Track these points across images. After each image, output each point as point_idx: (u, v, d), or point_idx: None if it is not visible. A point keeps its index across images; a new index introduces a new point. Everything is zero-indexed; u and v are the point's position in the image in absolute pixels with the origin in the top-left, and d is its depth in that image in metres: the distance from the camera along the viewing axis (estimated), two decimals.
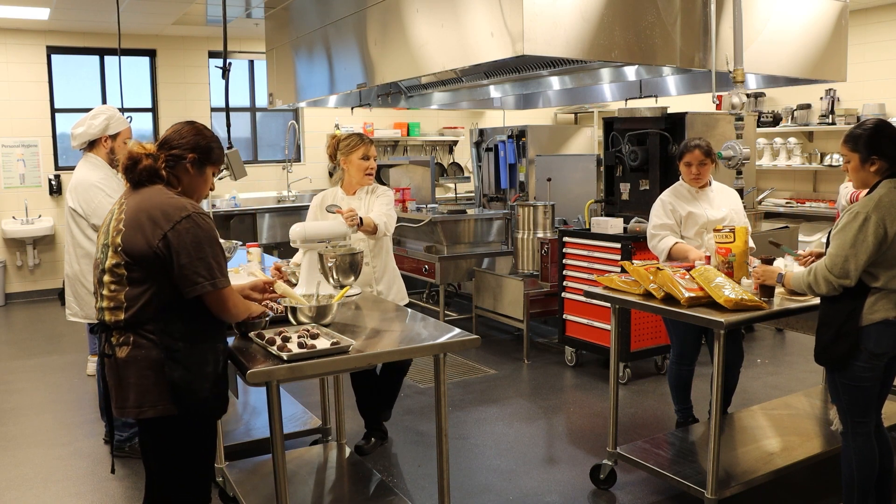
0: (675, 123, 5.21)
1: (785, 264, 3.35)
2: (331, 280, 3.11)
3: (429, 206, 6.95)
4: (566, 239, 5.36)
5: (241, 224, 8.13)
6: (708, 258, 3.46)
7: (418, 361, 4.94)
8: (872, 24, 7.50)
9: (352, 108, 7.02)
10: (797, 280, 2.85)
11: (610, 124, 5.60)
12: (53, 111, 8.24)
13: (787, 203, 8.06)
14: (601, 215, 5.53)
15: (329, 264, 3.08)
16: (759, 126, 8.01)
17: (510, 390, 4.97)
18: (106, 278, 2.24)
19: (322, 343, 2.47)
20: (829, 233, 2.80)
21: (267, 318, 2.63)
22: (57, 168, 8.24)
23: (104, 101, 8.38)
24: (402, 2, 4.66)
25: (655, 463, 3.33)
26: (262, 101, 9.20)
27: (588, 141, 7.41)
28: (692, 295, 3.06)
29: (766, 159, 8.38)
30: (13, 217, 8.05)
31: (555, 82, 6.25)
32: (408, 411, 4.54)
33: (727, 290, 3.00)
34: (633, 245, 4.86)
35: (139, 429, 2.38)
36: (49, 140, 8.19)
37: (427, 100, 7.23)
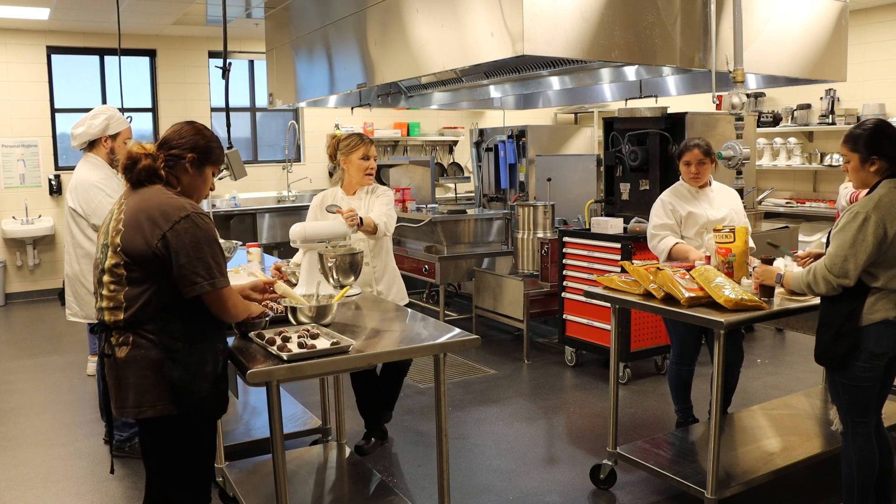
0: (675, 123, 5.21)
1: (785, 265, 3.35)
2: (331, 280, 3.11)
3: (429, 206, 6.95)
4: (566, 239, 5.36)
5: (241, 224, 8.14)
6: (708, 258, 3.47)
7: (418, 361, 4.94)
8: (872, 24, 7.50)
9: (352, 108, 7.02)
10: (796, 280, 2.85)
11: (610, 124, 5.60)
12: (53, 111, 8.24)
13: (787, 203, 8.06)
14: (601, 215, 5.53)
15: (329, 264, 3.08)
16: (759, 126, 8.01)
17: (510, 390, 4.97)
18: (105, 278, 2.24)
19: (322, 343, 2.47)
20: (829, 233, 2.81)
21: (267, 318, 2.63)
22: (57, 168, 8.24)
23: (104, 101, 8.39)
24: (402, 2, 4.66)
25: (655, 463, 3.33)
26: (262, 101, 9.20)
27: (588, 141, 7.41)
28: (692, 295, 3.06)
29: (766, 159, 8.38)
30: (13, 217, 8.05)
31: (555, 82, 6.25)
32: (408, 411, 4.54)
33: (727, 290, 3.00)
34: (633, 245, 4.86)
35: (139, 429, 2.38)
36: (49, 140, 8.19)
37: (427, 100, 7.23)
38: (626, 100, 6.27)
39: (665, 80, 5.88)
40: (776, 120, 8.32)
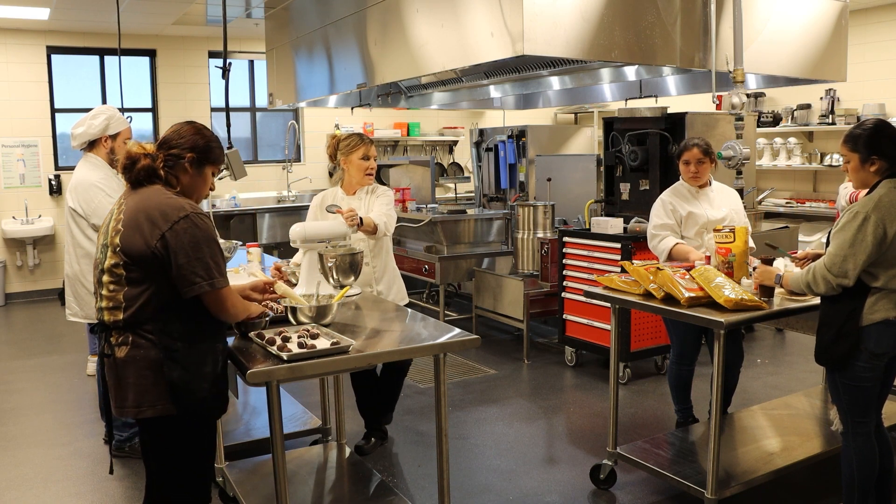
0: (675, 123, 5.21)
1: (785, 265, 3.35)
2: (331, 280, 3.11)
3: (429, 206, 6.94)
4: (566, 239, 5.36)
5: (241, 224, 8.14)
6: (708, 258, 3.47)
7: (418, 361, 4.94)
8: (872, 24, 7.50)
9: (352, 108, 7.03)
10: (796, 280, 2.85)
11: (610, 124, 5.60)
12: (53, 111, 8.24)
13: (787, 203, 8.06)
14: (601, 215, 5.53)
15: (329, 264, 3.08)
16: (759, 126, 8.01)
17: (510, 390, 4.97)
18: (105, 278, 2.24)
19: (322, 343, 2.47)
20: (829, 233, 2.81)
21: (267, 318, 2.63)
22: (57, 168, 8.24)
23: (104, 101, 8.39)
24: (402, 2, 4.66)
25: (655, 463, 3.33)
26: (262, 101, 9.20)
27: (588, 141, 7.41)
28: (692, 295, 3.06)
29: (766, 159, 8.38)
30: (13, 217, 8.05)
31: (555, 82, 6.25)
32: (408, 411, 4.54)
33: (727, 290, 3.00)
34: (633, 245, 4.86)
35: (139, 428, 2.38)
36: (49, 140, 8.19)
37: (427, 100, 7.23)
38: (626, 100, 6.27)
39: (665, 80, 5.88)
40: (776, 120, 8.32)
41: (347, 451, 3.67)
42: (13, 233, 7.86)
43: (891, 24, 7.39)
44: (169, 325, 2.21)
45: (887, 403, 3.18)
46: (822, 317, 2.83)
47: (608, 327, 4.81)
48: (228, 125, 4.96)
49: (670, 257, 3.80)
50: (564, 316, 5.42)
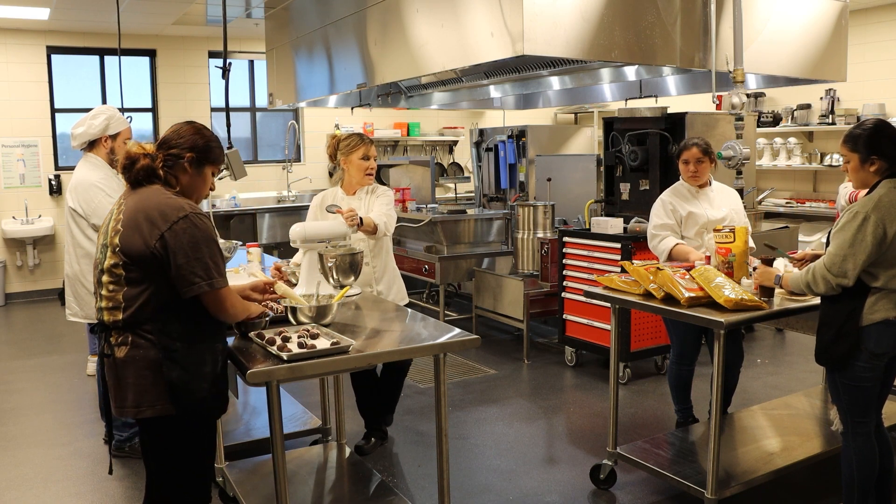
0: (675, 123, 5.21)
1: (785, 265, 3.35)
2: (331, 280, 3.11)
3: (429, 206, 6.94)
4: (566, 239, 5.36)
5: (241, 224, 8.14)
6: (708, 258, 3.47)
7: (418, 361, 4.94)
8: (872, 24, 7.50)
9: (352, 108, 7.02)
10: (795, 280, 2.85)
11: (610, 124, 5.60)
12: (53, 111, 8.24)
13: (787, 203, 8.07)
14: (601, 215, 5.53)
15: (329, 264, 3.08)
16: (759, 126, 8.01)
17: (510, 390, 4.97)
18: (104, 278, 2.24)
19: (322, 343, 2.47)
20: (829, 233, 2.81)
21: (267, 318, 2.63)
22: (57, 168, 8.24)
23: (104, 101, 8.39)
24: (402, 2, 4.66)
25: (655, 463, 3.33)
26: (262, 101, 9.20)
27: (588, 141, 7.41)
28: (692, 295, 3.06)
29: (766, 159, 8.38)
30: (13, 217, 8.05)
31: (555, 82, 6.25)
32: (408, 411, 4.54)
33: (727, 290, 3.00)
34: (633, 245, 4.86)
35: (139, 428, 2.38)
36: (49, 140, 8.19)
37: (427, 100, 7.23)
38: (626, 100, 6.27)
39: (665, 80, 5.88)
40: (776, 120, 8.32)
41: (347, 451, 3.67)
42: (13, 233, 7.86)
43: (891, 24, 7.39)
44: (168, 326, 2.21)
45: (887, 403, 3.18)
46: (822, 317, 2.83)
47: (608, 327, 4.81)
48: (228, 125, 4.96)
49: (670, 257, 3.80)
50: (564, 316, 5.42)
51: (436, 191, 8.15)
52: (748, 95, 7.08)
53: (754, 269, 3.20)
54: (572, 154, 7.03)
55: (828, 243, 2.79)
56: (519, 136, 6.96)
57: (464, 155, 9.84)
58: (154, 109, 8.69)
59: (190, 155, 2.34)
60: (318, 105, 7.11)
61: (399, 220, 5.65)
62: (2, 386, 5.22)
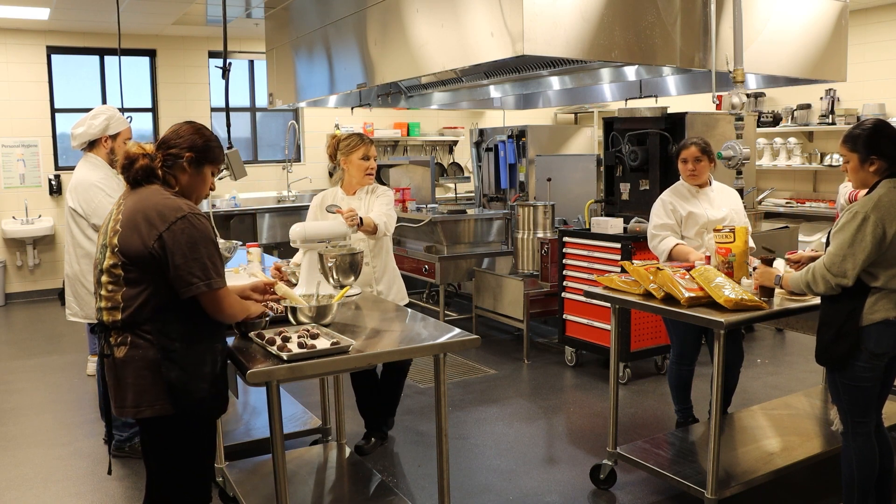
0: (675, 123, 5.21)
1: (785, 268, 3.35)
2: (331, 280, 3.11)
3: (429, 206, 6.95)
4: (566, 239, 5.36)
5: (241, 224, 8.14)
6: (708, 258, 3.47)
7: (418, 361, 4.94)
8: (872, 24, 7.50)
9: (352, 108, 7.02)
10: (795, 280, 2.85)
11: (610, 124, 5.60)
12: (53, 111, 8.24)
13: (787, 203, 8.07)
14: (601, 215, 5.53)
15: (329, 264, 3.08)
16: (759, 126, 8.01)
17: (510, 390, 4.97)
18: (104, 279, 2.24)
19: (322, 343, 2.47)
20: (829, 233, 2.81)
21: (267, 319, 2.63)
22: (57, 168, 8.24)
23: (104, 101, 8.39)
24: (402, 2, 4.66)
25: (655, 463, 3.33)
26: (262, 101, 9.20)
27: (588, 141, 7.41)
28: (692, 295, 3.06)
29: (766, 159, 8.38)
30: (13, 217, 8.05)
31: (555, 82, 6.25)
32: (408, 411, 4.54)
33: (727, 290, 3.00)
34: (633, 245, 4.86)
35: (139, 428, 2.39)
36: (49, 140, 8.19)
37: (427, 100, 7.23)
38: (626, 100, 6.27)
39: (665, 80, 5.88)
40: (776, 120, 8.32)
41: (347, 451, 3.67)
42: (13, 233, 7.86)
43: (891, 24, 7.39)
44: (167, 326, 2.21)
45: (887, 403, 3.18)
46: (822, 317, 2.83)
47: (608, 327, 4.81)
48: (228, 125, 4.96)
49: (670, 258, 3.80)
50: (564, 316, 5.42)
51: (436, 191, 8.15)
52: (748, 95, 7.08)
53: (754, 269, 3.20)
54: (572, 154, 7.03)
55: (828, 243, 2.79)
56: (519, 136, 6.96)
57: (464, 155, 9.84)
58: (154, 109, 8.69)
59: (189, 155, 2.34)
60: (318, 105, 7.11)
61: (399, 220, 5.65)
62: (2, 386, 5.22)
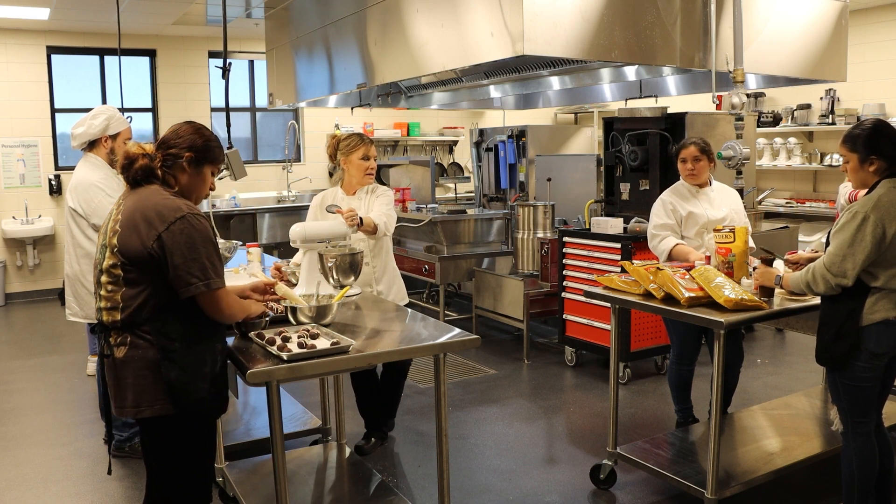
0: (675, 123, 5.21)
1: (784, 269, 3.35)
2: (331, 280, 3.11)
3: (429, 206, 6.95)
4: (566, 239, 5.36)
5: (241, 224, 8.14)
6: (708, 258, 3.47)
7: (418, 361, 4.94)
8: (872, 24, 7.50)
9: (352, 108, 7.03)
10: (796, 280, 2.85)
11: (610, 124, 5.60)
12: (53, 111, 8.24)
13: (787, 203, 8.07)
14: (601, 215, 5.53)
15: (329, 264, 3.08)
16: (759, 126, 8.01)
17: (510, 390, 4.97)
18: (103, 279, 2.24)
19: (322, 343, 2.47)
20: (829, 233, 2.81)
21: (267, 319, 2.63)
22: (57, 168, 8.24)
23: (104, 101, 8.39)
24: (402, 2, 4.66)
25: (655, 463, 3.33)
26: (262, 101, 9.20)
27: (588, 141, 7.41)
28: (692, 295, 3.06)
29: (766, 159, 8.38)
30: (13, 217, 8.05)
31: (555, 82, 6.25)
32: (408, 411, 4.54)
33: (727, 290, 3.00)
34: (633, 245, 4.86)
35: (140, 428, 2.39)
36: (49, 140, 8.19)
37: (427, 100, 7.23)
38: (626, 100, 6.27)
39: (665, 80, 5.88)
40: (776, 120, 8.32)
41: (347, 451, 3.67)
42: (13, 233, 7.86)
43: (891, 24, 7.39)
44: (167, 326, 2.21)
45: (887, 403, 3.18)
46: (822, 317, 2.83)
47: (608, 327, 4.81)
48: (228, 125, 4.96)
49: (670, 257, 3.80)
50: (564, 316, 5.42)
51: (436, 191, 8.15)
52: (748, 95, 7.08)
53: (754, 269, 3.20)
54: (572, 154, 7.03)
55: (827, 243, 2.79)
56: (519, 136, 6.96)
57: (464, 155, 9.84)
58: (154, 109, 8.69)
59: (189, 154, 2.34)
60: (318, 105, 7.11)
61: (399, 220, 5.65)
62: (2, 386, 5.22)
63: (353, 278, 3.13)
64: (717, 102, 4.45)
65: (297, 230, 3.20)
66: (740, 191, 4.30)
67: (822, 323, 2.82)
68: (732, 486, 3.11)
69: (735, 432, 3.69)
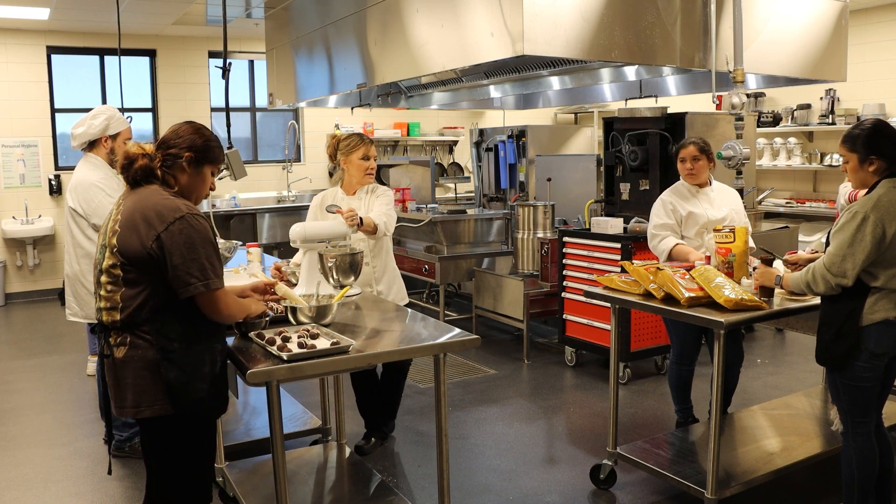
0: (675, 123, 5.21)
1: (784, 270, 3.35)
2: (331, 280, 3.11)
3: (429, 206, 6.95)
4: (566, 239, 5.36)
5: (241, 224, 8.14)
6: (708, 258, 3.47)
7: (418, 361, 4.94)
8: (872, 24, 7.50)
9: (352, 108, 7.03)
10: (796, 280, 2.85)
11: (610, 124, 5.60)
12: (53, 111, 8.24)
13: (787, 203, 8.07)
14: (601, 215, 5.53)
15: (329, 264, 3.08)
16: (759, 126, 8.01)
17: (510, 390, 4.97)
18: (103, 279, 2.25)
19: (322, 343, 2.47)
20: (829, 233, 2.81)
21: (267, 319, 2.63)
22: (57, 168, 8.24)
23: (104, 101, 8.39)
24: (402, 2, 4.66)
25: (655, 463, 3.33)
26: (262, 101, 9.20)
27: (588, 141, 7.41)
28: (692, 295, 3.06)
29: (766, 159, 8.38)
30: (13, 217, 8.05)
31: (555, 82, 6.25)
32: (408, 411, 4.54)
33: (727, 290, 3.00)
34: (633, 245, 4.86)
35: (140, 428, 2.39)
36: (49, 140, 8.19)
37: (427, 100, 7.23)
38: (626, 100, 6.27)
39: (665, 80, 5.88)
40: (776, 120, 8.32)
41: (347, 451, 3.67)
42: (13, 233, 7.86)
43: (891, 24, 7.39)
44: (166, 327, 2.21)
45: (887, 403, 3.18)
46: (822, 317, 2.83)
47: (608, 327, 4.81)
48: (228, 125, 4.96)
49: (670, 257, 3.80)
50: (564, 316, 5.42)
51: (436, 191, 8.15)
52: (748, 95, 7.08)
53: (754, 269, 3.20)
54: (572, 154, 7.03)
55: (827, 243, 2.79)
56: (519, 136, 6.96)
57: (464, 155, 9.84)
58: (154, 109, 8.69)
59: (188, 154, 2.33)
60: (318, 105, 7.11)
61: (399, 220, 5.65)
62: (2, 386, 5.22)
63: (353, 278, 3.13)
64: (717, 102, 4.45)
65: (297, 230, 3.20)
66: (740, 191, 4.30)
67: (822, 323, 2.82)
68: (732, 486, 3.11)
69: (735, 432, 3.69)
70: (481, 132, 7.55)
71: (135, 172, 2.28)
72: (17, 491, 3.61)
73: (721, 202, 3.95)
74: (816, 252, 3.47)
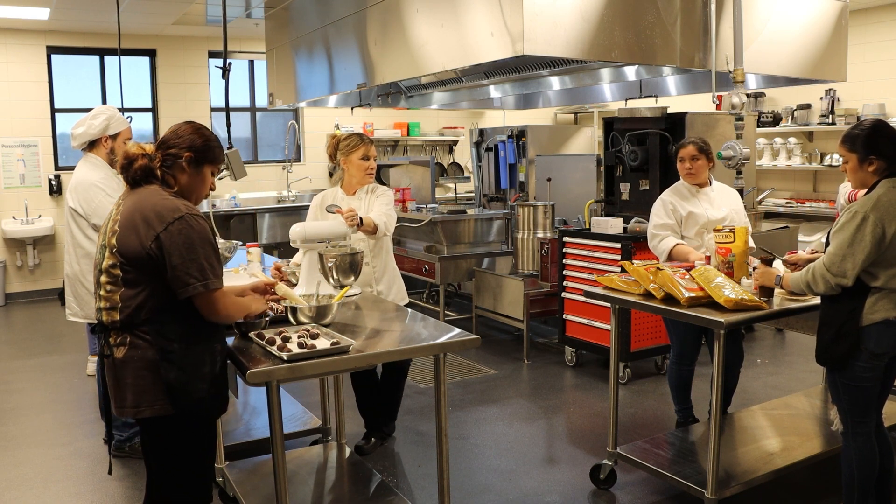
0: (675, 123, 5.21)
1: (784, 270, 3.35)
2: (331, 280, 3.11)
3: (429, 206, 6.95)
4: (566, 239, 5.36)
5: (241, 224, 8.14)
6: (708, 258, 3.47)
7: (418, 361, 4.94)
8: (872, 24, 7.50)
9: (352, 108, 7.03)
10: (796, 280, 2.85)
11: (610, 124, 5.60)
12: (53, 111, 8.24)
13: (787, 203, 8.07)
14: (601, 215, 5.53)
15: (329, 264, 3.08)
16: (759, 126, 8.01)
17: (510, 390, 4.97)
18: (103, 279, 2.25)
19: (322, 343, 2.47)
20: (829, 233, 2.81)
21: (267, 319, 2.63)
22: (57, 168, 8.24)
23: (104, 101, 8.39)
24: (402, 2, 4.66)
25: (655, 463, 3.33)
26: (262, 101, 9.20)
27: (588, 141, 7.41)
28: (692, 295, 3.06)
29: (766, 159, 8.38)
30: (13, 217, 8.05)
31: (555, 82, 6.25)
32: (408, 411, 4.54)
33: (727, 290, 3.00)
34: (633, 245, 4.86)
35: (140, 428, 2.39)
36: (49, 140, 8.19)
37: (427, 100, 7.23)
38: (626, 100, 6.27)
39: (665, 80, 5.88)
40: (776, 120, 8.32)
41: (347, 451, 3.67)
42: (13, 233, 7.86)
43: (891, 24, 7.39)
44: (165, 327, 2.21)
45: (887, 403, 3.18)
46: (823, 317, 2.83)
47: (608, 327, 4.81)
48: (228, 125, 4.96)
49: (670, 257, 3.80)
50: (564, 316, 5.42)
51: (436, 191, 8.15)
52: (748, 95, 7.08)
53: (754, 269, 3.20)
54: (572, 154, 7.03)
55: (827, 243, 2.79)
56: (519, 136, 6.96)
57: (464, 155, 9.84)
58: (154, 109, 8.69)
59: (188, 154, 2.33)
60: (318, 105, 7.11)
61: (399, 220, 5.65)
62: (2, 386, 5.22)
63: (353, 278, 3.13)
64: (717, 102, 4.46)
65: (297, 230, 3.20)
66: (740, 191, 4.30)
67: (822, 323, 2.82)
68: (732, 486, 3.11)
69: (735, 432, 3.69)
70: (481, 132, 7.55)
71: (134, 172, 2.28)
72: (17, 491, 3.61)
73: (721, 202, 3.95)
74: (816, 252, 3.47)
